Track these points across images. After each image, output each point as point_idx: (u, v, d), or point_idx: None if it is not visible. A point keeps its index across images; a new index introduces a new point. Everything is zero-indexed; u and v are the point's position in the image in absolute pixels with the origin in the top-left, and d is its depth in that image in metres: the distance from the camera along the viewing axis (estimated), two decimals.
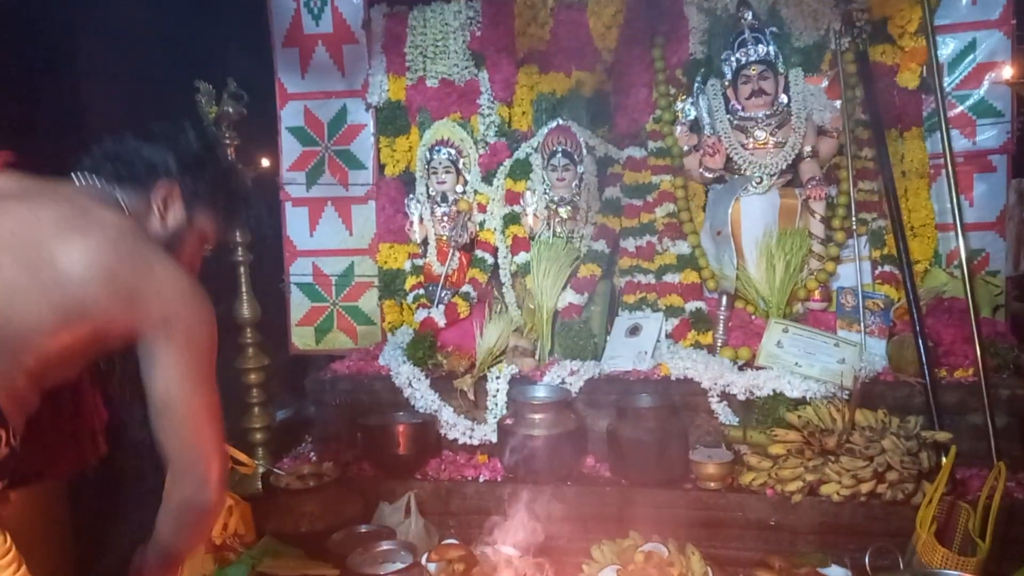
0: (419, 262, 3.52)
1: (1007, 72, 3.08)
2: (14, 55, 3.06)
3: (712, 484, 2.67)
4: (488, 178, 3.45)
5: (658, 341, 3.07)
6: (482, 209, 3.44)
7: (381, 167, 3.65)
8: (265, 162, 3.64)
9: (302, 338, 3.72)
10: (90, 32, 3.26)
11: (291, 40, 3.65)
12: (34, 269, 1.32)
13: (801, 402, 2.72)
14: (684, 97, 3.37)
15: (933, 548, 2.22)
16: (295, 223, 3.70)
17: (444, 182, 3.44)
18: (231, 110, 3.35)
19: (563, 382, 2.96)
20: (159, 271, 1.42)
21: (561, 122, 3.33)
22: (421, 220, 3.47)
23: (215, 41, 3.52)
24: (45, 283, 1.33)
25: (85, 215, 1.40)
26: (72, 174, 1.56)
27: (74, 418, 1.63)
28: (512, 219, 3.36)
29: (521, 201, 3.35)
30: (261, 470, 2.89)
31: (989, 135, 3.15)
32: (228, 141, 3.36)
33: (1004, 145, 3.14)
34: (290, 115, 3.69)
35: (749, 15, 3.19)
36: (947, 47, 3.14)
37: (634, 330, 3.12)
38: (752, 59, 3.13)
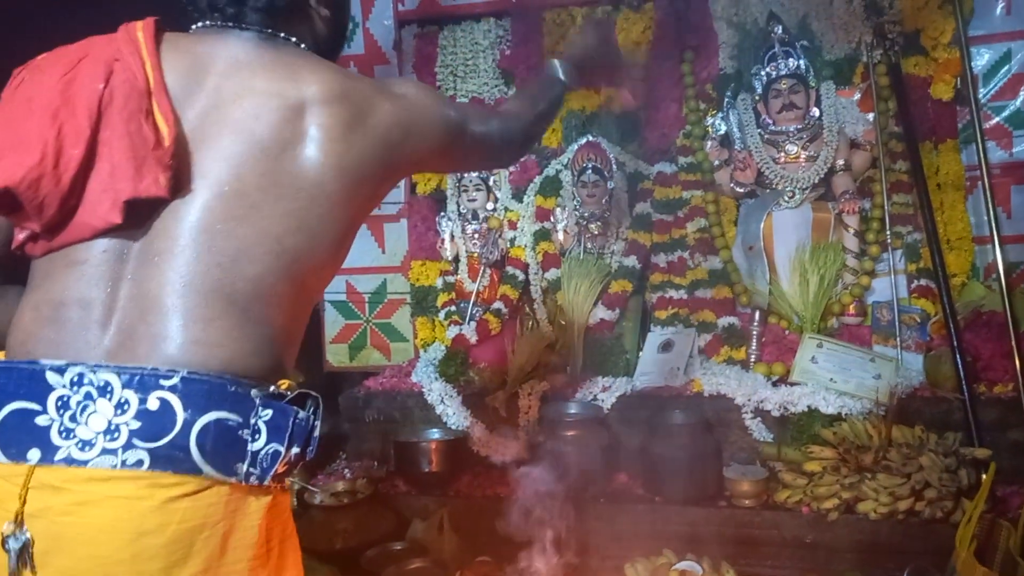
0: (451, 279, 3.54)
1: None
2: None
3: (747, 501, 2.65)
4: (518, 195, 3.47)
5: (690, 357, 3.05)
6: (512, 226, 3.46)
7: (412, 185, 3.68)
8: None
9: (336, 355, 3.75)
10: None
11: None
12: (292, 187, 1.21)
13: (836, 418, 2.69)
14: (714, 112, 3.36)
15: (973, 567, 2.18)
16: None
17: (475, 199, 3.47)
18: None
19: (595, 399, 2.96)
20: (374, 102, 1.28)
21: (591, 138, 3.35)
22: (452, 237, 3.50)
23: None
24: (310, 193, 1.21)
25: (278, 99, 1.21)
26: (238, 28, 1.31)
27: None
28: (542, 235, 3.38)
29: (551, 217, 3.36)
30: (296, 487, 2.92)
31: None
32: None
33: None
34: None
35: (779, 29, 3.18)
36: (982, 58, 3.09)
37: (666, 346, 3.11)
38: (783, 73, 3.12)
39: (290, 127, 1.18)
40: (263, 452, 1.14)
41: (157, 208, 1.16)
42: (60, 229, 1.16)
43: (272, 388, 1.17)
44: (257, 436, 1.13)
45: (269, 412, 1.14)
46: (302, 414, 1.17)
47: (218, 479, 1.10)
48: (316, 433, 1.20)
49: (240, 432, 1.12)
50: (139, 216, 1.16)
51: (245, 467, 1.12)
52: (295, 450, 1.16)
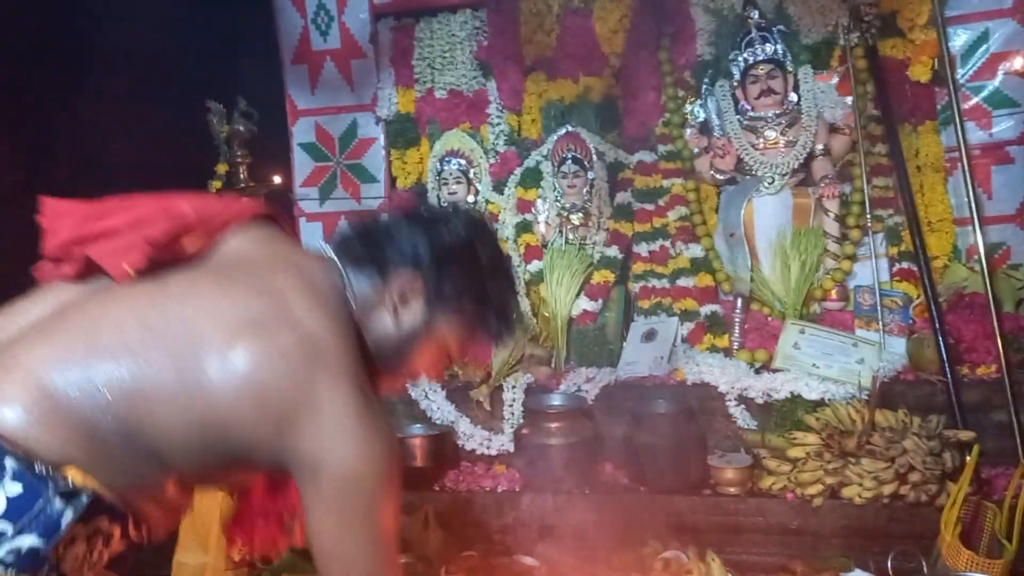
0: None
1: (1021, 62, 3.02)
2: (23, 78, 3.10)
3: (731, 489, 2.64)
4: (499, 187, 3.45)
5: (674, 346, 3.04)
6: (494, 218, 3.44)
7: (393, 180, 3.66)
8: (278, 179, 3.67)
9: None
10: (99, 55, 3.30)
11: (300, 57, 3.67)
12: (182, 370, 1.16)
13: (820, 404, 2.69)
14: (693, 99, 3.35)
15: (958, 550, 2.18)
16: (310, 239, 3.71)
17: (455, 192, 3.45)
18: (242, 128, 3.38)
19: (579, 389, 2.94)
20: (325, 403, 1.18)
21: (570, 128, 3.33)
22: None
23: (224, 61, 3.54)
24: (188, 388, 1.16)
25: (270, 313, 1.21)
26: (322, 243, 1.40)
27: (265, 499, 1.49)
28: (524, 227, 3.36)
29: (532, 209, 3.35)
30: None
31: (1006, 126, 3.08)
32: (240, 159, 3.40)
33: (1022, 136, 3.08)
34: (301, 131, 3.71)
35: (756, 14, 3.16)
36: (959, 38, 3.09)
37: (649, 335, 3.10)
38: (760, 58, 3.11)
39: (233, 328, 1.19)
40: None
41: (96, 293, 1.25)
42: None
43: (38, 466, 1.09)
44: None
45: (14, 485, 1.07)
46: (58, 505, 1.09)
47: None
48: (64, 530, 1.09)
49: None
50: (86, 291, 1.26)
51: None
52: (27, 537, 1.07)
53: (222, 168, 3.51)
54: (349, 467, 1.18)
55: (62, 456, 1.11)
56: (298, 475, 1.20)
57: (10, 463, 1.08)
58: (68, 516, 1.10)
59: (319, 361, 1.19)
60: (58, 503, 1.09)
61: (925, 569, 2.25)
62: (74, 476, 1.11)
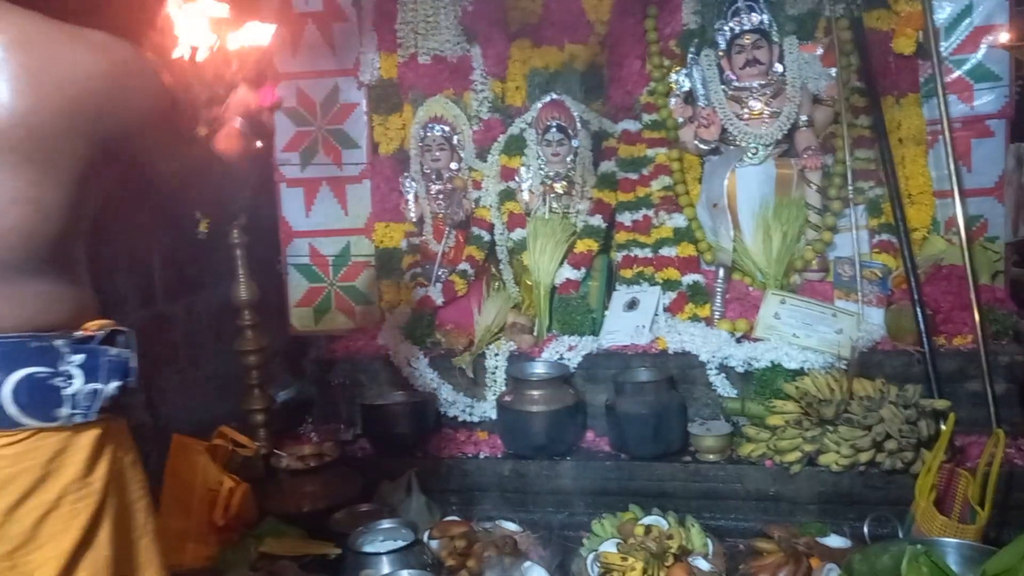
0: (415, 240, 3.51)
1: (1005, 35, 3.03)
2: None
3: (711, 456, 2.68)
4: (482, 154, 3.43)
5: (656, 315, 3.06)
6: (477, 186, 3.42)
7: (375, 146, 3.62)
8: (258, 143, 3.62)
9: (301, 319, 3.71)
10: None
11: (281, 19, 3.60)
12: None
13: (799, 373, 2.72)
14: (678, 68, 3.32)
15: (932, 516, 2.23)
16: (290, 204, 3.67)
17: (438, 159, 3.42)
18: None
19: (561, 358, 2.96)
20: (53, 51, 1.18)
21: (555, 96, 3.29)
22: (416, 198, 3.45)
23: None
24: None
25: None
26: None
27: None
28: (507, 195, 3.34)
29: (516, 177, 3.33)
30: (262, 452, 2.90)
31: (987, 100, 3.10)
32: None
33: (1002, 110, 3.10)
34: (282, 95, 3.65)
35: None
36: (943, 11, 3.08)
37: (631, 304, 3.11)
38: (746, 28, 3.10)
39: None
40: (81, 393, 1.23)
41: None
42: None
43: (78, 333, 1.25)
44: (71, 381, 1.22)
45: (80, 356, 1.24)
46: (113, 351, 1.27)
47: (40, 427, 1.20)
48: (133, 364, 1.30)
49: (51, 381, 1.21)
50: None
51: (66, 410, 1.22)
52: (114, 384, 1.26)
53: (201, 130, 3.45)
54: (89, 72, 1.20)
55: (75, 316, 1.26)
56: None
57: (59, 343, 1.22)
58: (129, 352, 1.30)
59: (37, 33, 1.19)
60: (112, 350, 1.27)
61: (900, 534, 2.30)
62: (101, 325, 1.27)
